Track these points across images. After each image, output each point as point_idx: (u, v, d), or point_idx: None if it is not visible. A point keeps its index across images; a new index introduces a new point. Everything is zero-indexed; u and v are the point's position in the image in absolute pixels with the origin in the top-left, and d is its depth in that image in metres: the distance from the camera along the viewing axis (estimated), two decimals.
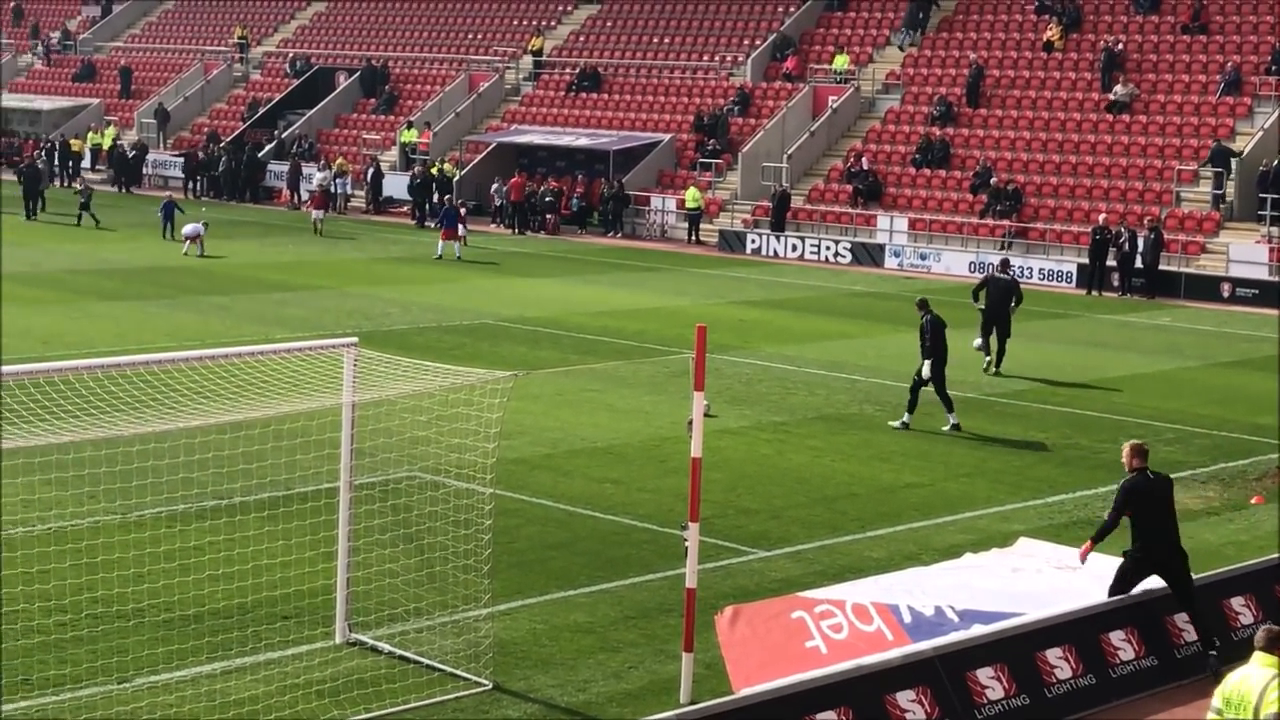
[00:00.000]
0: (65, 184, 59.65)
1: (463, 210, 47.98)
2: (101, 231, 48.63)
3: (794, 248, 49.79)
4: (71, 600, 15.14)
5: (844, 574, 17.22)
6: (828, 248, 49.36)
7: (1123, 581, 15.38)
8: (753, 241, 50.64)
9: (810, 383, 28.85)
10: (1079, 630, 14.74)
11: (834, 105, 55.23)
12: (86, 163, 65.99)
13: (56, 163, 64.04)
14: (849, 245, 49.21)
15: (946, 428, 25.10)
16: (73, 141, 65.69)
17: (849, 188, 51.70)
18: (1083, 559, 15.76)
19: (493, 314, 35.34)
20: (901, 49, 57.23)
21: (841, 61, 56.41)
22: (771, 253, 49.96)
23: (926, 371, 24.96)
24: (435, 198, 54.39)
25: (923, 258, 47.72)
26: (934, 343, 25.05)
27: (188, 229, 44.38)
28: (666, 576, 17.14)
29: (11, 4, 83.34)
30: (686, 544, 14.20)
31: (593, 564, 17.74)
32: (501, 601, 15.94)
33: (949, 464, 23.24)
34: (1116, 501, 15.39)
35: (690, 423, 14.22)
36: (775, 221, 50.66)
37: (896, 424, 25.24)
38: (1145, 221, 44.18)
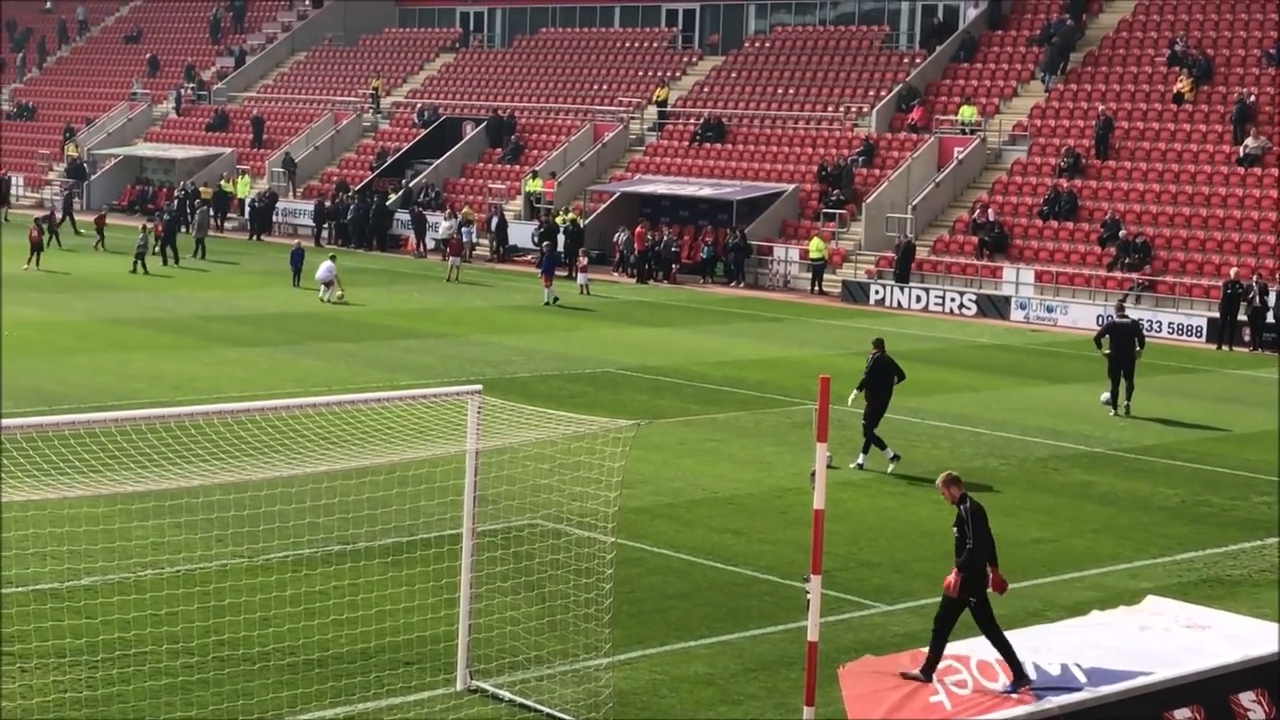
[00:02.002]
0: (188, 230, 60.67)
1: (582, 260, 48.47)
2: (232, 279, 49.36)
3: (918, 299, 49.49)
4: (199, 643, 15.33)
5: (968, 630, 17.00)
6: (952, 299, 49.02)
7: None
8: (876, 292, 50.41)
9: (934, 435, 28.61)
10: (1208, 690, 14.43)
11: (960, 156, 54.94)
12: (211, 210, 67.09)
13: (189, 210, 65.05)
14: (974, 297, 48.83)
15: (854, 464, 25.13)
16: (202, 189, 66.81)
17: (974, 239, 51.35)
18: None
19: (615, 362, 35.43)
20: (1046, 88, 56.81)
21: (968, 112, 56.13)
22: (895, 304, 49.70)
23: (851, 399, 24.98)
24: (560, 246, 54.70)
25: (1049, 310, 47.23)
26: (869, 379, 25.16)
27: (321, 273, 44.94)
28: (788, 629, 17.02)
29: (148, 55, 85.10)
30: (808, 596, 14.09)
31: (713, 615, 17.66)
32: (621, 651, 15.90)
33: (1075, 519, 22.92)
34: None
35: (813, 474, 14.13)
36: (899, 273, 50.40)
37: (853, 464, 25.18)
38: (1277, 275, 43.44)
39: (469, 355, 35.69)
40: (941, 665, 14.66)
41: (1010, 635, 15.87)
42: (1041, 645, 15.37)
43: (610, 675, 15.11)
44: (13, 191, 75.29)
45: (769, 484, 24.25)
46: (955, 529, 15.28)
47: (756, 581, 19.06)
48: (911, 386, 33.51)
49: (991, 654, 14.92)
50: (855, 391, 25.31)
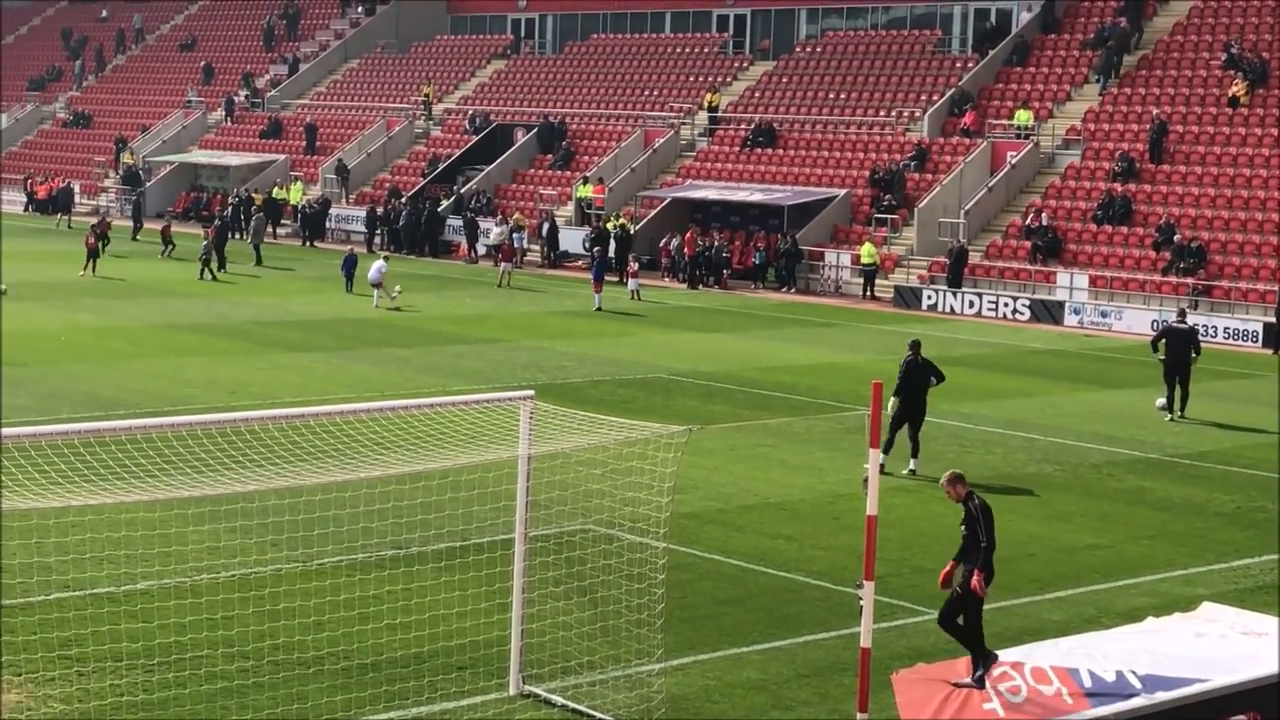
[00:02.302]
0: (241, 236, 60.96)
1: (633, 265, 48.62)
2: (285, 285, 49.62)
3: (971, 304, 49.31)
4: (254, 647, 15.41)
5: (1022, 636, 16.94)
6: (1005, 304, 48.81)
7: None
8: (929, 298, 50.25)
9: (987, 441, 28.50)
10: (1264, 698, 14.32)
11: (1013, 161, 54.71)
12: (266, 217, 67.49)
13: (243, 217, 65.39)
14: (1027, 302, 48.61)
15: (906, 470, 25.08)
16: (254, 195, 67.23)
17: (1028, 244, 51.12)
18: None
19: (666, 368, 35.43)
20: (1102, 90, 56.53)
21: (1024, 117, 55.88)
22: (948, 309, 49.53)
23: (891, 407, 24.81)
24: (611, 252, 54.72)
25: (1103, 315, 46.97)
26: (902, 382, 25.06)
27: (372, 274, 45.13)
28: (840, 635, 16.98)
29: (202, 63, 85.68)
30: (861, 602, 14.06)
31: (765, 621, 17.64)
32: (674, 656, 15.90)
33: (1130, 525, 22.79)
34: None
35: (865, 480, 14.10)
36: (952, 278, 50.23)
37: (905, 471, 25.18)
38: None
39: (521, 360, 35.77)
40: (996, 672, 14.59)
41: (1064, 641, 15.80)
42: (1096, 652, 15.27)
43: (663, 681, 15.11)
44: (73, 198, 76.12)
45: (821, 489, 24.20)
46: (964, 527, 15.25)
47: (809, 587, 19.03)
48: (964, 391, 33.46)
49: (1046, 660, 14.84)
50: (894, 398, 24.95)
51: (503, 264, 52.61)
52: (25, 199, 77.76)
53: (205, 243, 51.73)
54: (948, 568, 15.26)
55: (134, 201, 67.92)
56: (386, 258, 46.17)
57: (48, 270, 50.95)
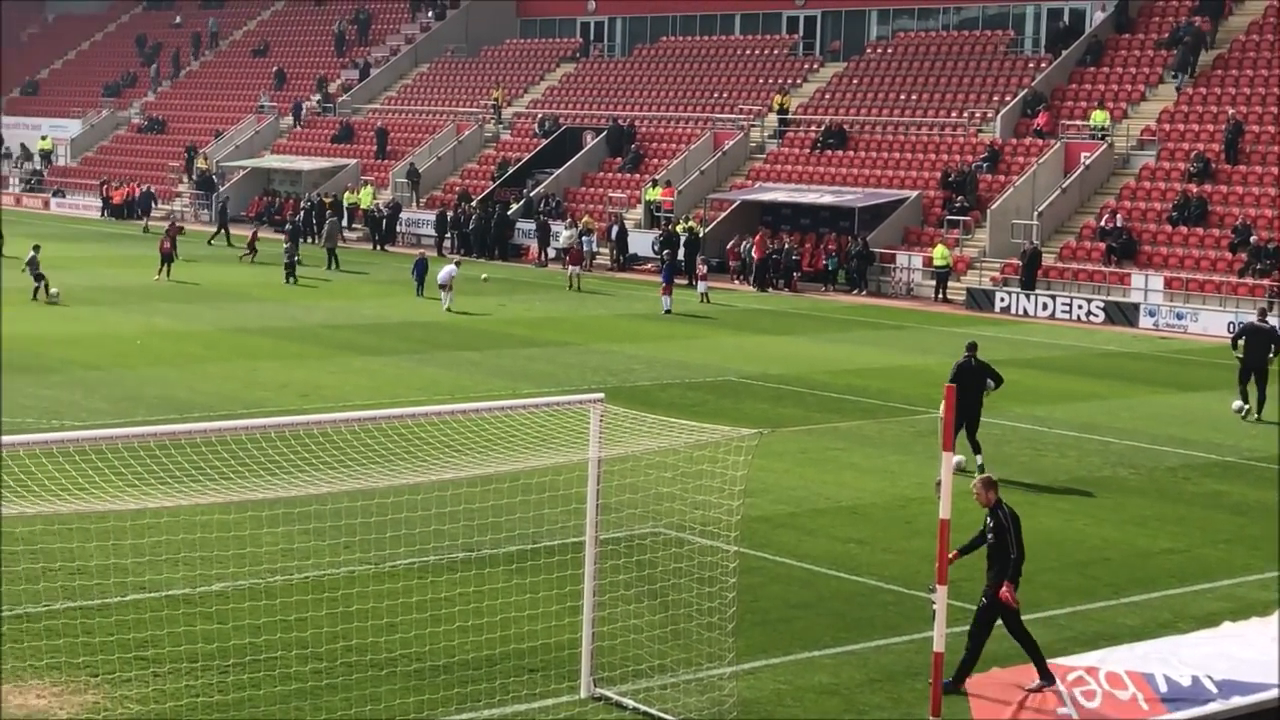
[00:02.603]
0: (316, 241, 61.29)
1: (702, 268, 48.67)
2: (357, 288, 49.88)
3: (1044, 306, 48.97)
4: (327, 648, 15.49)
5: (1097, 640, 16.80)
6: (1079, 306, 48.44)
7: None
8: (1002, 300, 49.94)
9: (1061, 444, 28.28)
10: None
11: (1086, 161, 54.31)
12: (342, 221, 67.89)
13: (314, 221, 65.78)
14: (1102, 304, 48.22)
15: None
16: (325, 199, 67.63)
17: (1102, 245, 50.72)
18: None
19: (736, 371, 35.37)
20: (1177, 90, 56.06)
21: (1100, 117, 55.41)
22: (1021, 311, 49.21)
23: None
24: (680, 255, 54.69)
25: (1179, 317, 46.53)
26: (954, 383, 24.54)
27: (442, 275, 45.29)
28: (913, 640, 16.89)
29: (275, 68, 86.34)
30: (934, 607, 13.98)
31: (837, 625, 17.57)
32: (745, 660, 15.86)
33: (1206, 529, 22.55)
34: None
35: (939, 483, 14.01)
36: (1025, 279, 49.90)
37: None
38: None
39: (590, 364, 35.80)
40: (1071, 676, 14.48)
41: (1140, 646, 15.66)
42: (1172, 657, 15.13)
43: (734, 684, 15.08)
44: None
45: (893, 493, 24.09)
46: (991, 535, 15.26)
47: (881, 591, 18.94)
48: (1038, 395, 33.24)
49: (1121, 665, 14.72)
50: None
51: (571, 267, 52.71)
52: (101, 203, 78.59)
53: (287, 246, 52.21)
54: (951, 555, 15.05)
55: (219, 207, 68.30)
56: (458, 262, 46.32)
57: (123, 275, 51.45)
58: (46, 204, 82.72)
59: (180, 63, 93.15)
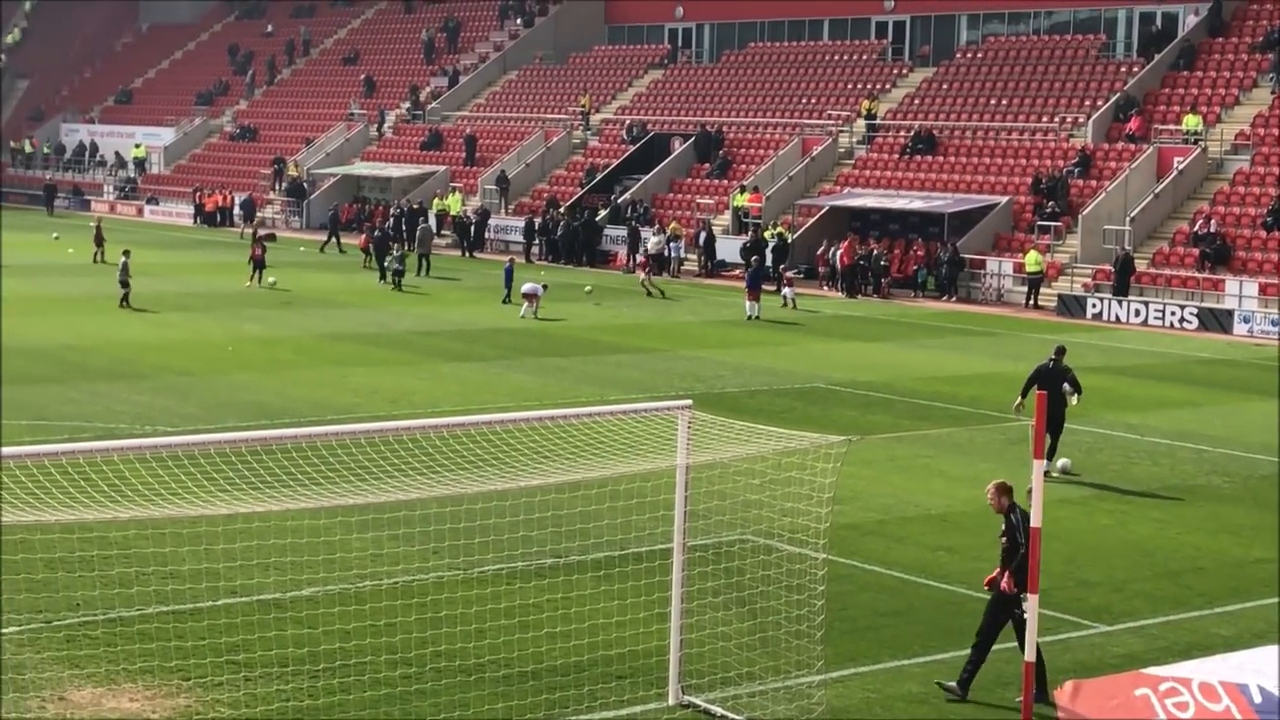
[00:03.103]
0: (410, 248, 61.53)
1: (788, 274, 48.59)
2: (446, 294, 50.12)
3: (1137, 313, 48.46)
4: (416, 653, 15.56)
5: (1190, 651, 16.58)
6: (1172, 313, 47.89)
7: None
8: (1093, 306, 49.46)
9: (1154, 452, 27.96)
10: None
11: (1179, 166, 53.70)
12: (435, 228, 68.27)
13: (404, 228, 66.09)
14: (1195, 310, 47.65)
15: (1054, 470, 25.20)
16: (415, 205, 68.00)
17: (1195, 251, 50.13)
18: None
19: (824, 377, 35.24)
20: (1273, 94, 55.33)
21: (1193, 121, 54.78)
22: (1113, 317, 48.72)
23: (1015, 405, 25.57)
24: (769, 261, 54.58)
25: (1274, 324, 45.89)
26: (1027, 387, 25.49)
27: (526, 287, 45.38)
28: (1003, 649, 16.72)
29: (364, 76, 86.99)
30: (1025, 616, 13.85)
31: (927, 633, 17.45)
32: (834, 668, 15.78)
33: None
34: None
35: (1029, 491, 13.89)
36: (1118, 285, 49.40)
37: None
38: None
39: (678, 370, 35.78)
40: (1163, 687, 14.28)
41: (1234, 656, 15.42)
42: (1267, 667, 14.88)
43: (823, 692, 15.00)
44: (235, 211, 77.76)
45: (983, 501, 23.69)
46: (1004, 538, 15.41)
47: (971, 600, 18.77)
48: (1131, 402, 32.88)
49: (1214, 676, 14.49)
50: (1019, 398, 25.48)
51: (641, 273, 52.67)
52: (193, 211, 79.50)
53: (398, 253, 52.41)
54: (994, 574, 15.39)
55: (330, 214, 68.27)
56: (546, 286, 46.11)
57: (214, 281, 51.99)
58: (140, 211, 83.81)
59: (272, 71, 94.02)
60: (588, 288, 50.05)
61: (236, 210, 77.65)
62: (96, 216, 68.09)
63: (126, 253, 46.12)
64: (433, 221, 66.98)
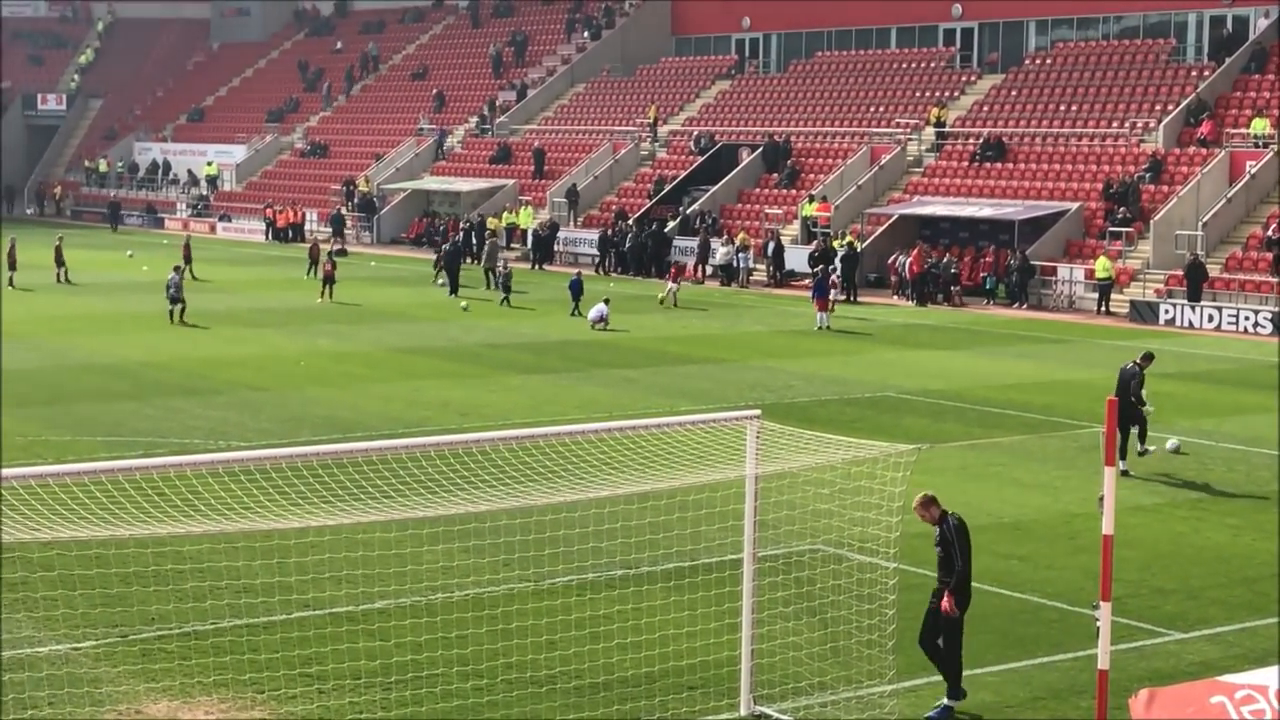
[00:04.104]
0: (476, 262, 61.59)
1: (834, 278, 48.24)
2: (516, 308, 50.24)
3: (1210, 318, 48.00)
4: (487, 665, 15.62)
5: (1266, 658, 16.39)
6: (1246, 318, 47.41)
7: None
8: (1166, 312, 49.04)
9: (1229, 458, 27.68)
10: None
11: (1252, 170, 53.18)
12: (502, 241, 68.55)
13: (474, 242, 66.26)
14: (1269, 315, 47.15)
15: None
16: (490, 220, 68.31)
17: (1269, 256, 49.61)
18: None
19: (895, 386, 35.11)
20: None
21: (1260, 125, 54.27)
22: (1186, 323, 48.29)
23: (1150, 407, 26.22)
24: (837, 270, 54.38)
25: None
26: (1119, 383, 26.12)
27: (593, 313, 45.35)
28: (1077, 657, 16.63)
29: (434, 91, 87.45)
30: (1098, 624, 13.74)
31: (1000, 642, 17.35)
32: (906, 678, 15.71)
33: None
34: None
35: (1101, 499, 13.79)
36: (1190, 291, 48.96)
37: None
38: None
39: (747, 380, 35.74)
40: (1239, 695, 14.13)
41: None
42: None
43: (895, 702, 14.95)
44: (307, 226, 78.32)
45: (1056, 509, 23.75)
46: (938, 549, 15.16)
47: (1044, 608, 18.68)
48: (1205, 407, 32.58)
49: None
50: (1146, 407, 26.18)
51: (670, 283, 52.42)
52: (265, 227, 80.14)
53: (503, 266, 52.06)
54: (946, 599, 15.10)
55: (449, 250, 59.90)
56: (608, 300, 46.09)
57: (287, 297, 52.38)
58: (213, 228, 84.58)
59: (341, 87, 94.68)
60: (463, 304, 49.64)
61: (321, 225, 77.85)
62: (186, 234, 68.75)
63: (177, 268, 46.36)
64: (502, 236, 67.19)
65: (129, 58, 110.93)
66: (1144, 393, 26.14)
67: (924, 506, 15.22)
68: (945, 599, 15.02)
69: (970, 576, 15.14)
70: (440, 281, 55.51)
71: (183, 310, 44.52)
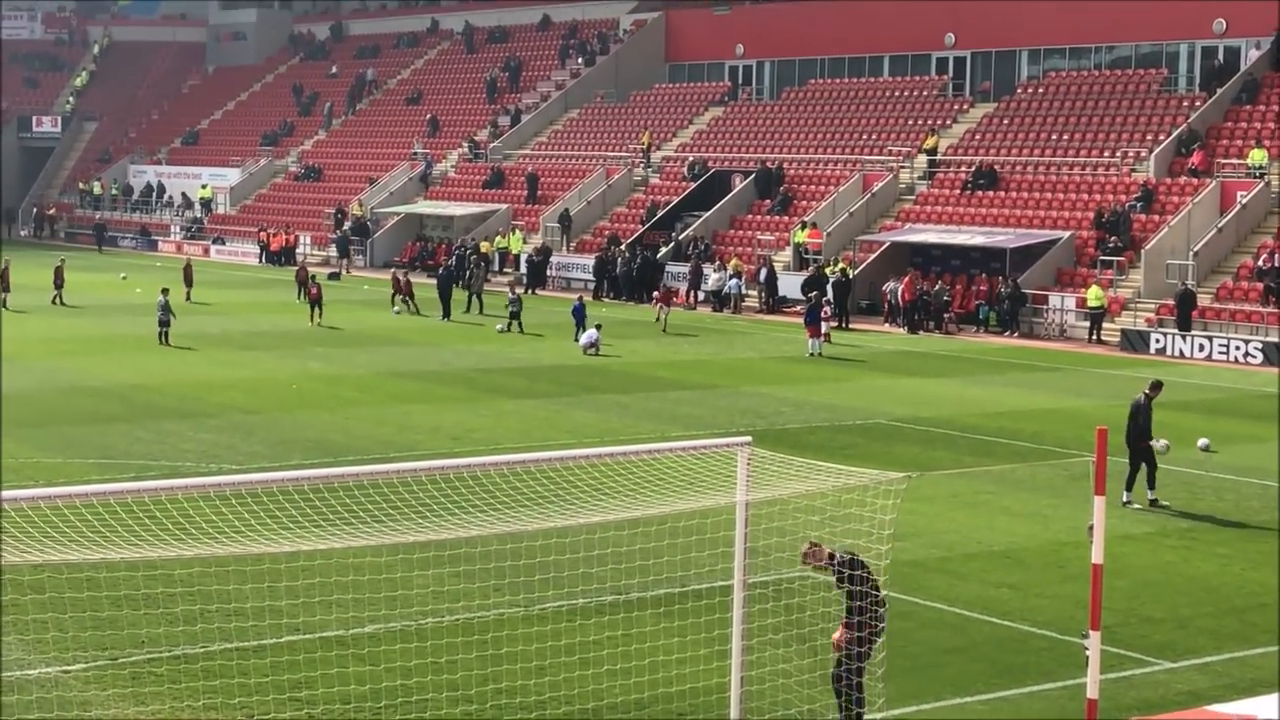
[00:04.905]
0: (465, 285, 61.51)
1: (826, 309, 48.29)
2: (512, 334, 50.14)
3: (1201, 348, 48.12)
4: (477, 690, 15.61)
5: (1255, 688, 16.44)
6: (1237, 348, 47.53)
7: None
8: (1157, 341, 49.15)
9: (1219, 487, 27.74)
10: None
11: (1243, 201, 53.36)
12: (496, 266, 68.68)
13: (467, 266, 66.19)
14: (1260, 345, 47.27)
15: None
16: (483, 244, 68.40)
17: (1260, 285, 49.76)
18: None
19: (886, 414, 35.16)
20: None
21: (1259, 156, 54.41)
22: (1177, 352, 48.38)
23: (1160, 445, 25.86)
24: (830, 297, 54.47)
25: None
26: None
27: (584, 339, 45.38)
28: (1066, 686, 16.65)
29: (428, 115, 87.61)
30: (1088, 653, 13.79)
31: (989, 671, 17.37)
32: (896, 706, 15.73)
33: None
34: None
35: (1091, 528, 13.84)
36: (1181, 320, 49.08)
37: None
38: None
39: (739, 406, 35.78)
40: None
41: None
42: None
43: None
44: (300, 249, 78.36)
45: (1046, 537, 23.78)
46: (839, 587, 14.77)
47: (1034, 637, 18.70)
48: (1195, 436, 32.59)
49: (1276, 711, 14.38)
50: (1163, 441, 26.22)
51: (661, 307, 52.48)
52: (259, 250, 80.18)
53: (513, 295, 51.25)
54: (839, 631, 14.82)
55: (443, 274, 58.35)
56: (599, 326, 46.18)
57: (279, 320, 52.38)
58: (207, 251, 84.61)
59: (336, 112, 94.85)
60: (123, 275, 49.24)
61: (315, 249, 78.12)
62: (186, 258, 68.81)
63: (165, 290, 46.37)
64: (497, 260, 67.30)
65: (124, 80, 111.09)
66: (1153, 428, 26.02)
67: (810, 558, 14.85)
68: (839, 631, 14.73)
69: (880, 610, 14.90)
70: (396, 309, 55.41)
71: (163, 333, 44.61)
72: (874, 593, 14.73)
